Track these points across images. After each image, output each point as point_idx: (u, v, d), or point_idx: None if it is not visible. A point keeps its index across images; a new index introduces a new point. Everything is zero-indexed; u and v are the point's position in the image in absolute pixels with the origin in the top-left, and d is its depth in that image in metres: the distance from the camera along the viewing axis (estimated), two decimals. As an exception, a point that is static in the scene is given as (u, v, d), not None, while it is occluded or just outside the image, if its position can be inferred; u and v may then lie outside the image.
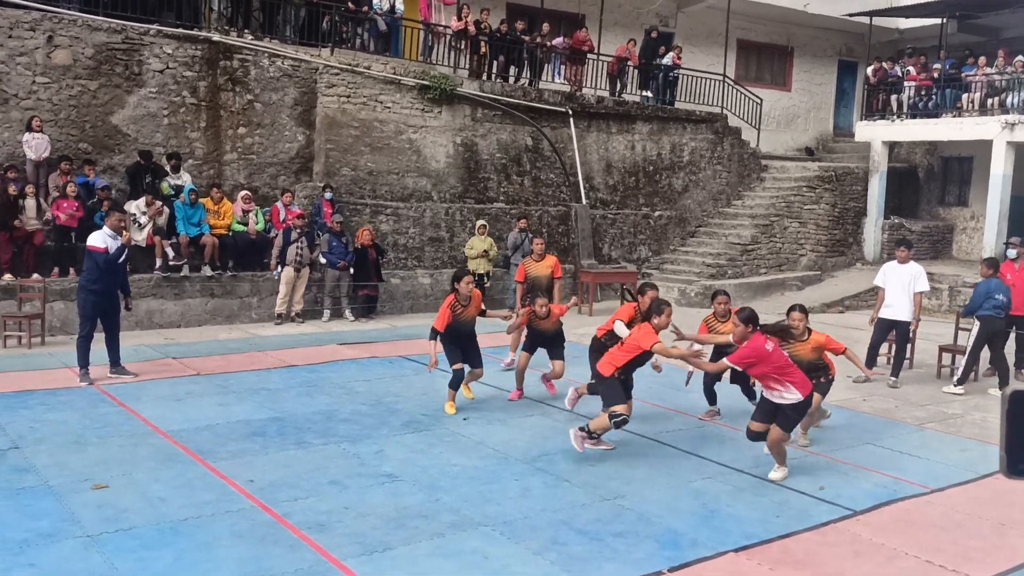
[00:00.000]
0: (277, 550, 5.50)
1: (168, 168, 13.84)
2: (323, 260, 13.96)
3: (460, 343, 8.90)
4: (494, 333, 11.21)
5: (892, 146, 21.70)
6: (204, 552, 5.43)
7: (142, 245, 12.77)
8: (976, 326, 10.84)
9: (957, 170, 22.67)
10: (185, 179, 13.96)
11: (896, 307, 11.06)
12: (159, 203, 13.14)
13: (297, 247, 13.57)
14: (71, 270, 12.29)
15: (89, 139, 13.72)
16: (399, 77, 16.10)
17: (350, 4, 16.07)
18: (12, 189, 12.16)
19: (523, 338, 9.82)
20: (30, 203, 12.28)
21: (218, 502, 6.26)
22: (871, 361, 11.22)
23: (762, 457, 7.50)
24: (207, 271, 13.42)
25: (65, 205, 12.47)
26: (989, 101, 19.40)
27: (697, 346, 8.37)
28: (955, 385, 10.92)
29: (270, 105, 15.14)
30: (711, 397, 9.12)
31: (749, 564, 5.61)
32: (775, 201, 20.15)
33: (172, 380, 9.83)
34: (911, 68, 21.30)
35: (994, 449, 7.18)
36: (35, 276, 12.14)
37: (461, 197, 16.86)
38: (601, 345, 8.53)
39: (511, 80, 18.04)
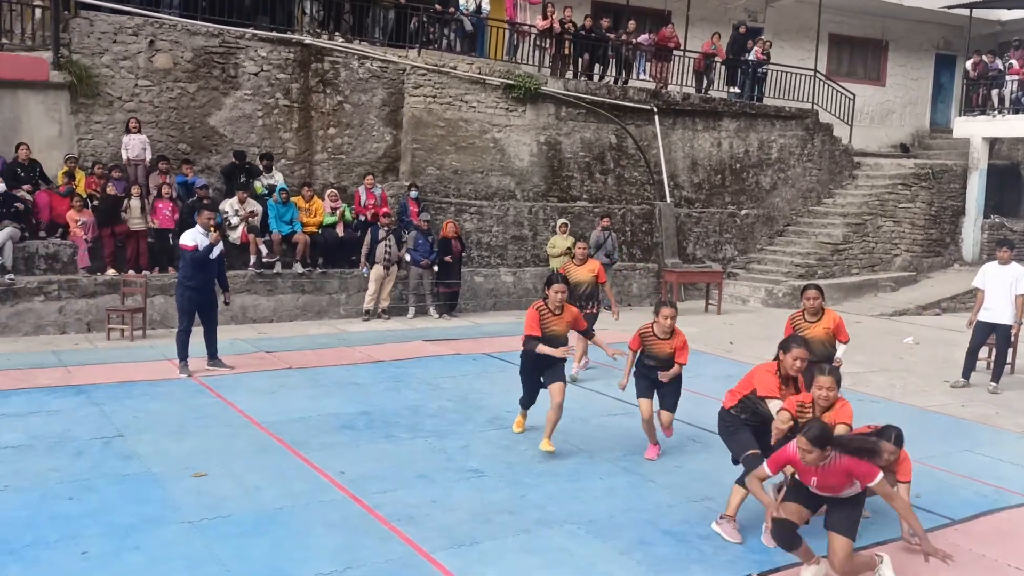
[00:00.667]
0: (369, 541, 5.63)
1: (261, 168, 14.28)
2: (408, 258, 14.19)
3: (543, 362, 7.50)
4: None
5: (992, 142, 20.85)
6: (299, 540, 5.59)
7: (236, 243, 13.18)
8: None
9: (1063, 167, 21.72)
10: (277, 178, 14.38)
11: (996, 309, 10.64)
12: (252, 201, 13.54)
13: (386, 245, 13.84)
14: (169, 268, 12.77)
15: (188, 140, 14.25)
16: (484, 77, 16.24)
17: (437, 6, 16.26)
18: (111, 189, 12.69)
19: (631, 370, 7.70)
20: (135, 203, 12.78)
21: (311, 492, 6.43)
22: (970, 366, 10.84)
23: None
24: (298, 268, 13.79)
25: (160, 206, 12.97)
26: (1099, 94, 18.52)
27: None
28: (1061, 392, 10.47)
29: (359, 106, 15.45)
30: None
31: (841, 571, 5.47)
32: (868, 199, 19.59)
33: (266, 373, 10.14)
34: (1014, 61, 20.46)
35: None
36: (130, 272, 12.55)
37: (544, 196, 16.90)
38: (736, 420, 6.09)
39: (595, 78, 17.99)
